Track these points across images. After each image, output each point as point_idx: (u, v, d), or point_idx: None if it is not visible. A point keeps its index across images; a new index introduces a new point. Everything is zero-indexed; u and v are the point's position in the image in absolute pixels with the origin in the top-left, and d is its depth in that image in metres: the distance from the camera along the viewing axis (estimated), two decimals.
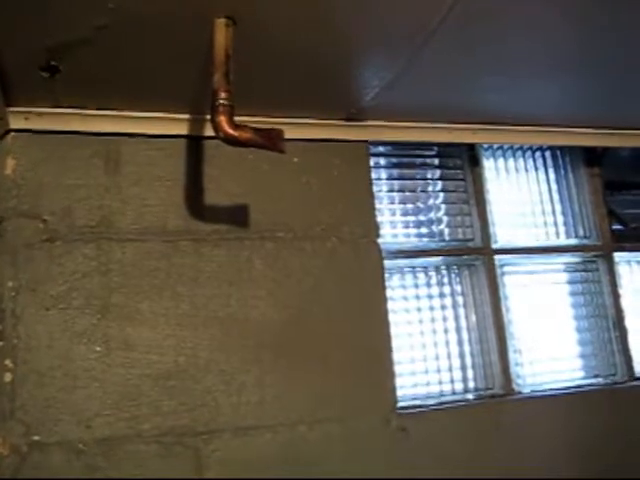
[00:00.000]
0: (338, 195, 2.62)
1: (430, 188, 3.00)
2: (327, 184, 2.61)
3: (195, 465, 2.21)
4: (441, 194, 3.00)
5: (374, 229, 2.65)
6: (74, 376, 2.17)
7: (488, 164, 3.12)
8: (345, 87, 2.37)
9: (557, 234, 3.19)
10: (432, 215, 2.97)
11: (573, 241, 3.19)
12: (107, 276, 2.28)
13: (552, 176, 3.26)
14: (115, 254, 2.30)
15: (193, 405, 2.26)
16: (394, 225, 2.92)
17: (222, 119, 1.81)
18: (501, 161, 3.18)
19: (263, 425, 2.32)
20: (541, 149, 3.25)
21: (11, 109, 2.23)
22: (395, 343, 2.61)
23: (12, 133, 2.27)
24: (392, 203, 2.93)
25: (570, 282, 3.17)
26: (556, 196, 3.25)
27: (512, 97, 2.59)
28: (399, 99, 2.49)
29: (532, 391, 2.84)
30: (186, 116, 2.42)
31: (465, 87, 2.47)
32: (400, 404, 2.54)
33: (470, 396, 2.79)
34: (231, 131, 1.82)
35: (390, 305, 2.65)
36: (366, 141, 2.71)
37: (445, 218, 2.98)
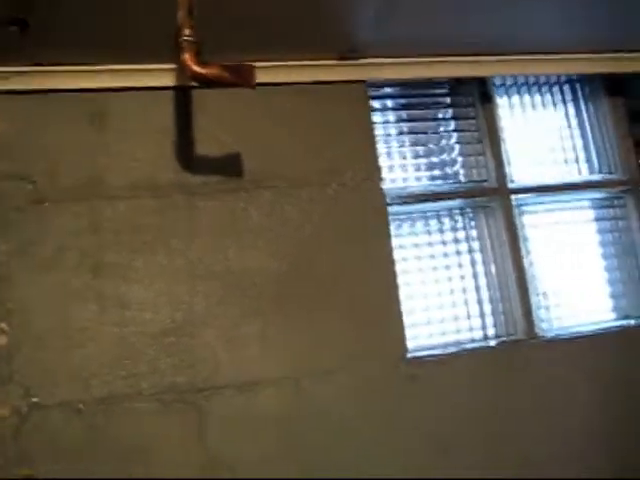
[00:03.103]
0: (336, 139, 2.51)
1: (442, 128, 2.86)
2: (323, 128, 2.51)
3: (197, 422, 2.17)
4: (453, 134, 2.85)
5: (376, 173, 2.54)
6: (70, 337, 2.15)
7: (501, 101, 2.95)
8: (336, 21, 2.24)
9: (579, 170, 3.01)
10: (445, 156, 2.83)
11: (597, 177, 3.00)
12: (98, 234, 2.24)
13: (571, 110, 3.06)
14: (106, 212, 2.26)
15: (192, 361, 2.22)
16: (405, 168, 2.79)
17: (187, 57, 1.73)
18: (515, 97, 3.00)
19: (266, 379, 2.26)
20: (558, 82, 3.05)
21: None
22: (407, 292, 2.52)
23: None
24: (402, 146, 2.80)
25: (595, 219, 2.99)
26: (576, 131, 3.05)
27: (515, 21, 2.42)
28: (397, 32, 2.36)
29: (557, 335, 2.70)
30: (172, 66, 2.32)
31: (463, 9, 2.30)
32: (415, 354, 2.46)
33: (492, 343, 2.67)
34: (198, 69, 1.74)
35: (402, 253, 2.55)
36: (364, 81, 2.58)
37: (459, 159, 2.84)
